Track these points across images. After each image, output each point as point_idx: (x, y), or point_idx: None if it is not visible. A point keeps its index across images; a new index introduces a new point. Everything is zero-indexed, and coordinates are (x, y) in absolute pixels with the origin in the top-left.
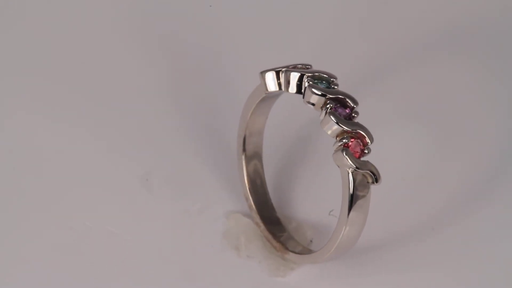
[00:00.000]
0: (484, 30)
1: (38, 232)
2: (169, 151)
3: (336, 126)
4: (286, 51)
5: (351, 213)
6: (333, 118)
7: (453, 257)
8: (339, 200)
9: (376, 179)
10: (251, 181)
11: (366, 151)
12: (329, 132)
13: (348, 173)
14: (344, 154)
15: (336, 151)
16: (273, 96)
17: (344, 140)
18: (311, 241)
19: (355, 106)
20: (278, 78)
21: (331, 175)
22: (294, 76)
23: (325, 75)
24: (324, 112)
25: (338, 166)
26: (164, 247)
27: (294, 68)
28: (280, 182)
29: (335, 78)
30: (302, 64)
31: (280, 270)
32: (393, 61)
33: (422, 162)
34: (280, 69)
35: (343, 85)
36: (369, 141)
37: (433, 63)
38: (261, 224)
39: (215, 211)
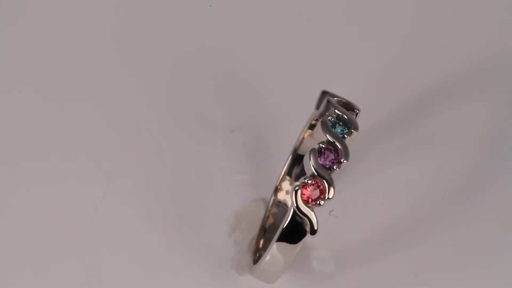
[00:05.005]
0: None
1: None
2: (263, 117)
3: (310, 165)
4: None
5: (276, 245)
6: (312, 158)
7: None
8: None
9: (311, 231)
10: (283, 183)
11: (321, 203)
12: (305, 167)
13: (290, 209)
14: (294, 192)
15: (294, 186)
16: None
17: (306, 181)
18: None
19: (343, 160)
20: (324, 105)
21: (359, 196)
22: (337, 116)
23: (347, 120)
24: (315, 147)
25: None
26: (182, 187)
27: (343, 104)
28: None
29: (356, 130)
30: (351, 104)
31: (243, 269)
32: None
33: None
34: (337, 99)
35: None
36: (328, 196)
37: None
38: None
39: (253, 191)
